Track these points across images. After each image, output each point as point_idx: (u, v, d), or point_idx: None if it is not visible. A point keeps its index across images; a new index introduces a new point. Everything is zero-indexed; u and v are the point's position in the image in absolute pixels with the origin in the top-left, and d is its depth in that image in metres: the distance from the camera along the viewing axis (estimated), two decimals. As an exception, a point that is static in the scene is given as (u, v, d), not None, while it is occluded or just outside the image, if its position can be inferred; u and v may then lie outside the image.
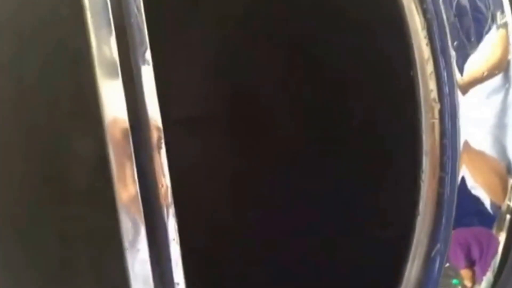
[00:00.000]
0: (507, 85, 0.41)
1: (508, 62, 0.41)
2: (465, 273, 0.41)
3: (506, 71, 0.41)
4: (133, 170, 0.34)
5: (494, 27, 0.42)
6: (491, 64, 0.40)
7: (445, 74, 0.34)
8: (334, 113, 0.37)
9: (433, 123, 0.33)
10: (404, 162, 0.34)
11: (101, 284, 0.35)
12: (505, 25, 0.43)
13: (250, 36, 0.38)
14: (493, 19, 0.43)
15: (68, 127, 0.33)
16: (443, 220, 0.35)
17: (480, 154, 0.39)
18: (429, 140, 0.33)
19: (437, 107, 0.33)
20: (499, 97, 0.40)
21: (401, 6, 0.33)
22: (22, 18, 0.35)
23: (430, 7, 0.34)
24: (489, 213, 0.41)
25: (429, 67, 0.33)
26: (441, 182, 0.34)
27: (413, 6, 0.34)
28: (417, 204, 0.33)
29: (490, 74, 0.38)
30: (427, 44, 0.33)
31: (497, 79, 0.40)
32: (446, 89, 0.34)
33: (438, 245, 0.35)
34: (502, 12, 0.44)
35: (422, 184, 0.33)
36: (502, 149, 0.40)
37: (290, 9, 0.39)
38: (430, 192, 0.34)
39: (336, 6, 0.35)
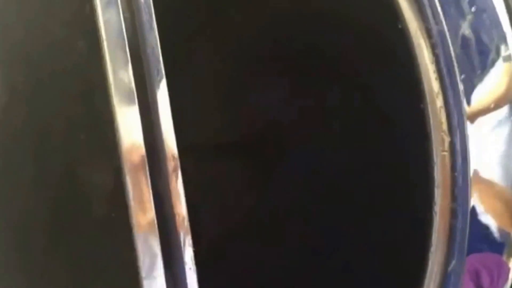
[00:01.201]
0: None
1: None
2: (475, 300, 0.42)
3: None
4: (150, 198, 0.34)
5: (498, 60, 0.43)
6: (497, 97, 0.41)
7: (454, 107, 0.35)
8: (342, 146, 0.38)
9: (444, 155, 0.34)
10: (416, 194, 0.35)
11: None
12: (509, 58, 0.44)
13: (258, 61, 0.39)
14: (498, 51, 0.44)
15: (84, 155, 0.34)
16: (456, 250, 0.35)
17: (489, 183, 0.40)
18: (440, 173, 0.34)
19: (447, 139, 0.34)
20: (507, 127, 0.41)
21: (411, 40, 0.35)
22: (37, 48, 0.36)
23: (438, 41, 0.35)
24: (498, 240, 0.42)
25: (439, 101, 0.34)
26: (453, 213, 0.35)
27: (422, 41, 0.35)
28: (430, 236, 0.34)
29: (496, 106, 0.39)
30: (436, 79, 0.34)
31: (504, 110, 0.41)
32: (456, 122, 0.35)
33: (451, 276, 0.36)
34: (506, 44, 0.45)
35: (434, 216, 0.34)
36: (510, 177, 0.41)
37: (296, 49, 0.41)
38: (442, 223, 0.34)
39: (350, 45, 0.36)
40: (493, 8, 0.45)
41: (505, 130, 0.42)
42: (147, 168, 0.34)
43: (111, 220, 0.35)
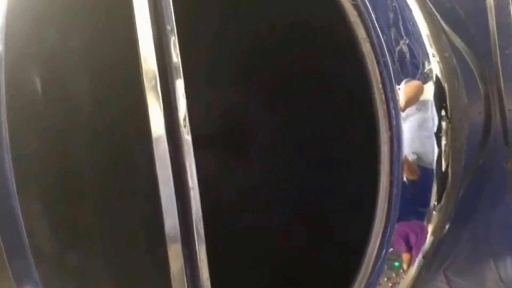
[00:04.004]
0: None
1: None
2: (405, 256, 0.56)
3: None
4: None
5: (423, 71, 0.57)
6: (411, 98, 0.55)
7: (393, 111, 0.48)
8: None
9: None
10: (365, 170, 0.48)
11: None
12: (430, 71, 0.58)
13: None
14: (423, 65, 0.58)
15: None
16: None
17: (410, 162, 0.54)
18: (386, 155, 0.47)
19: (389, 133, 0.47)
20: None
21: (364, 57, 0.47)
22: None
23: (386, 59, 0.48)
24: (421, 210, 0.55)
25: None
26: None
27: (373, 57, 0.48)
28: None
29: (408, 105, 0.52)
30: (381, 90, 0.47)
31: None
32: (394, 121, 0.48)
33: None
34: (429, 61, 0.59)
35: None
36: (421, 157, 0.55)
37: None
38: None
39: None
40: (419, 33, 0.59)
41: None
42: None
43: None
